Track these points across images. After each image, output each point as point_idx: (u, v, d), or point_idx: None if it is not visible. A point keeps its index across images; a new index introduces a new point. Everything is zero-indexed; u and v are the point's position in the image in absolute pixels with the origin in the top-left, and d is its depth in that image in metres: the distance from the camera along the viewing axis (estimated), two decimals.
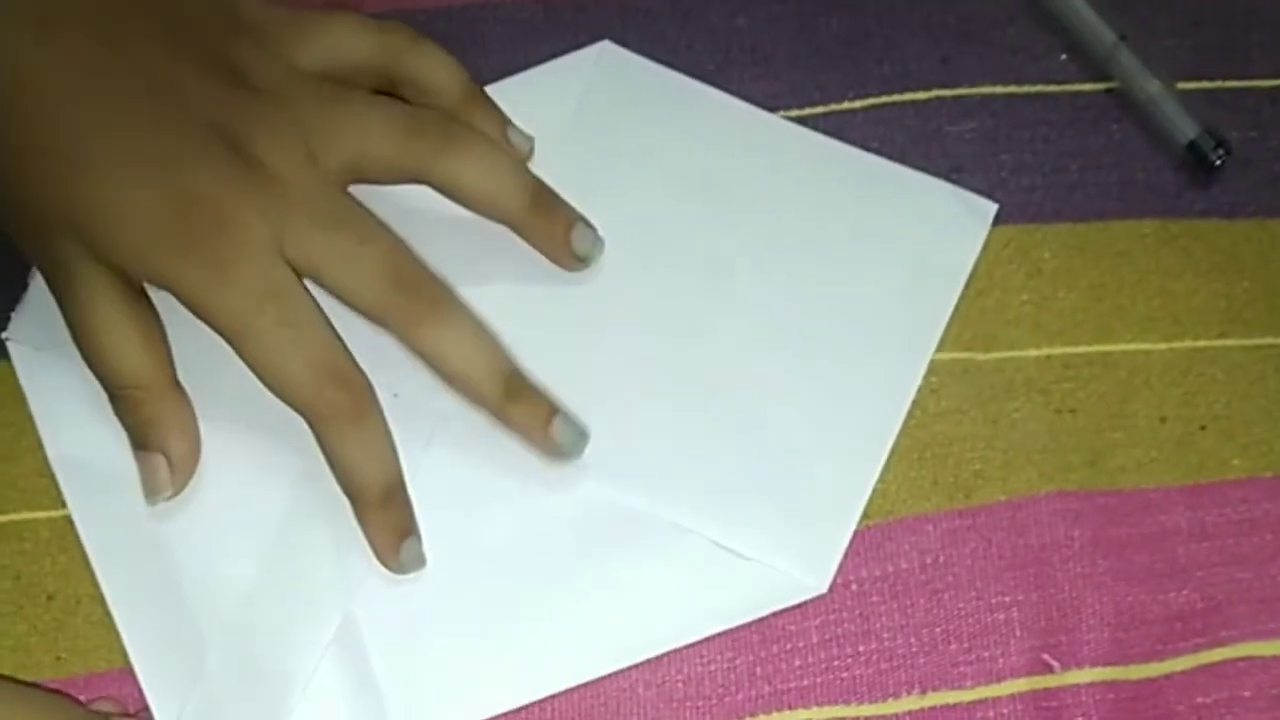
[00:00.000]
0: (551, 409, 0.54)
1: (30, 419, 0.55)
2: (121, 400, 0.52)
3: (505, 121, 0.57)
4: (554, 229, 0.55)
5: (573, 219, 0.56)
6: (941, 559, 0.55)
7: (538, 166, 0.57)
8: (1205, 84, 0.62)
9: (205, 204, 0.50)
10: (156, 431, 0.52)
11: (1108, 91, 0.62)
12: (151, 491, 0.52)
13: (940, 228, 0.58)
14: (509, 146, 0.57)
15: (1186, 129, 0.60)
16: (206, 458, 0.54)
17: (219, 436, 0.54)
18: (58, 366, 0.54)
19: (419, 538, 0.53)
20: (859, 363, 0.57)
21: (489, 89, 0.59)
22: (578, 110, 0.59)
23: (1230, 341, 0.59)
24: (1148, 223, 0.60)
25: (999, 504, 0.56)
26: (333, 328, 0.51)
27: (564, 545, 0.54)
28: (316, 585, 0.53)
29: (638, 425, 0.55)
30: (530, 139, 0.58)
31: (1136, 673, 0.55)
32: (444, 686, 0.53)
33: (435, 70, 0.56)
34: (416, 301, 0.52)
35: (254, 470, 0.54)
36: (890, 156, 0.60)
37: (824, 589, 0.54)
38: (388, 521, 0.52)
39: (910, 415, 0.57)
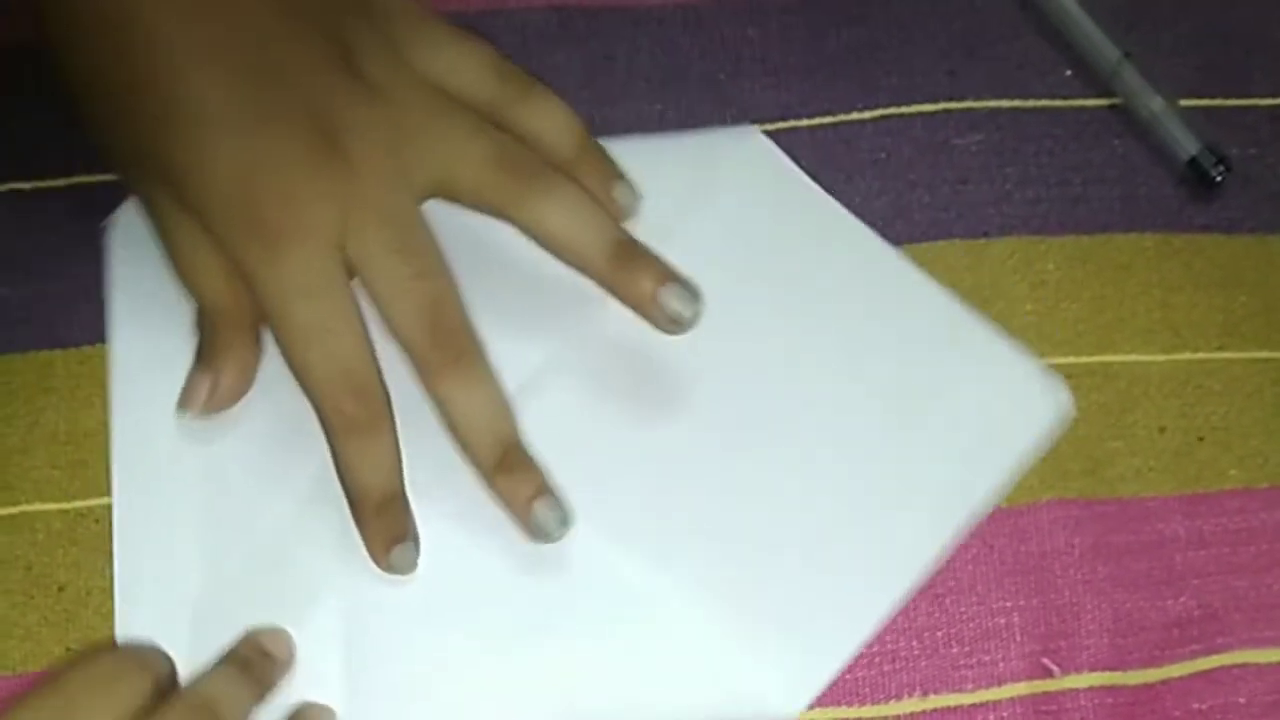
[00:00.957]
0: (540, 488, 0.53)
1: (43, 410, 0.56)
2: (204, 317, 0.53)
3: (615, 175, 0.56)
4: (640, 284, 0.53)
5: (664, 275, 0.53)
6: (943, 564, 0.56)
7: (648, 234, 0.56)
8: (1207, 101, 0.63)
9: (278, 179, 0.50)
10: (219, 356, 0.53)
11: (1111, 107, 0.63)
12: (184, 403, 0.53)
13: (1012, 403, 0.57)
14: (609, 199, 0.56)
15: (1188, 145, 0.61)
16: (264, 404, 0.55)
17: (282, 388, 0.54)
18: (146, 270, 0.55)
19: (415, 543, 0.53)
20: (895, 506, 0.56)
21: (623, 142, 0.58)
22: (704, 191, 0.59)
23: (1229, 354, 0.60)
24: (1149, 236, 0.61)
25: (1000, 511, 0.57)
26: (367, 334, 0.51)
27: (559, 591, 0.54)
28: (316, 569, 0.54)
29: (667, 501, 0.55)
30: (637, 197, 0.56)
31: (1134, 678, 0.55)
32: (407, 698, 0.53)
33: (547, 125, 0.55)
34: (445, 352, 0.51)
35: (298, 430, 0.54)
36: (898, 167, 0.61)
37: (793, 715, 0.54)
38: (381, 527, 0.52)
39: None
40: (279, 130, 0.50)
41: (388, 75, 0.53)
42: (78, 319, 0.56)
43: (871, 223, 0.60)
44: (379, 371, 0.52)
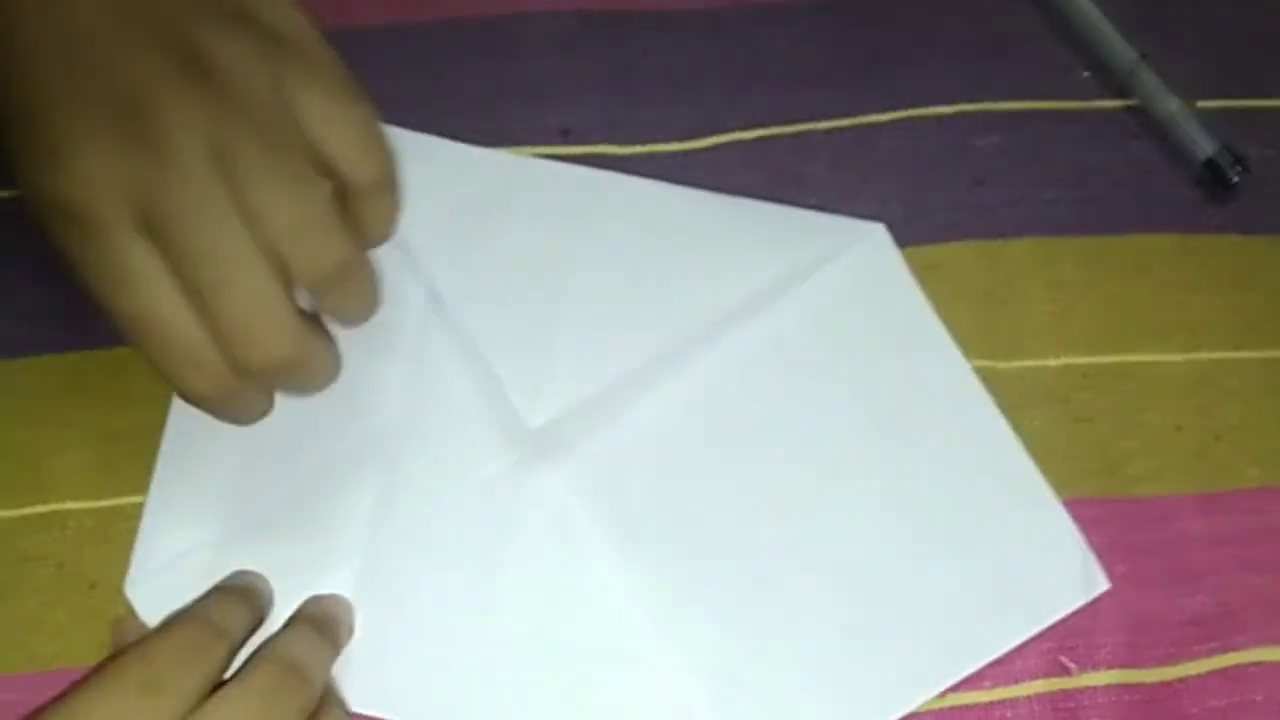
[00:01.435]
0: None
1: (75, 411, 0.56)
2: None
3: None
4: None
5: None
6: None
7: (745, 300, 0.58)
8: (1224, 102, 0.63)
9: (68, 154, 0.46)
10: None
11: (1128, 109, 0.63)
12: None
13: (1050, 575, 0.56)
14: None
15: (1205, 146, 0.61)
16: None
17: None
18: None
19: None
20: (907, 639, 0.55)
21: (747, 205, 0.60)
22: (810, 272, 0.59)
23: (1245, 354, 0.60)
24: (1166, 237, 0.61)
25: None
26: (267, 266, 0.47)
27: (561, 614, 0.55)
28: (338, 532, 0.55)
29: (691, 565, 0.55)
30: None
31: (1151, 676, 0.56)
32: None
33: (376, 223, 0.50)
34: (321, 262, 0.47)
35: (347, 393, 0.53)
36: (915, 169, 0.61)
37: None
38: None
39: None
40: (75, 99, 0.46)
41: (244, 80, 0.47)
42: (109, 320, 0.57)
43: (888, 223, 0.60)
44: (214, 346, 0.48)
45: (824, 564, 0.55)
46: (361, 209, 0.49)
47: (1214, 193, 0.61)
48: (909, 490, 0.56)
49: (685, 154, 0.61)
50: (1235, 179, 0.60)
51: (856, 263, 0.59)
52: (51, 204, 0.46)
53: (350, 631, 0.54)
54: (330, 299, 0.49)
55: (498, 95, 0.61)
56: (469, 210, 0.59)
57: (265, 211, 0.46)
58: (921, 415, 0.57)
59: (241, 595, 0.52)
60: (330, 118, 0.47)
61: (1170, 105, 0.61)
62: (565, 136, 0.60)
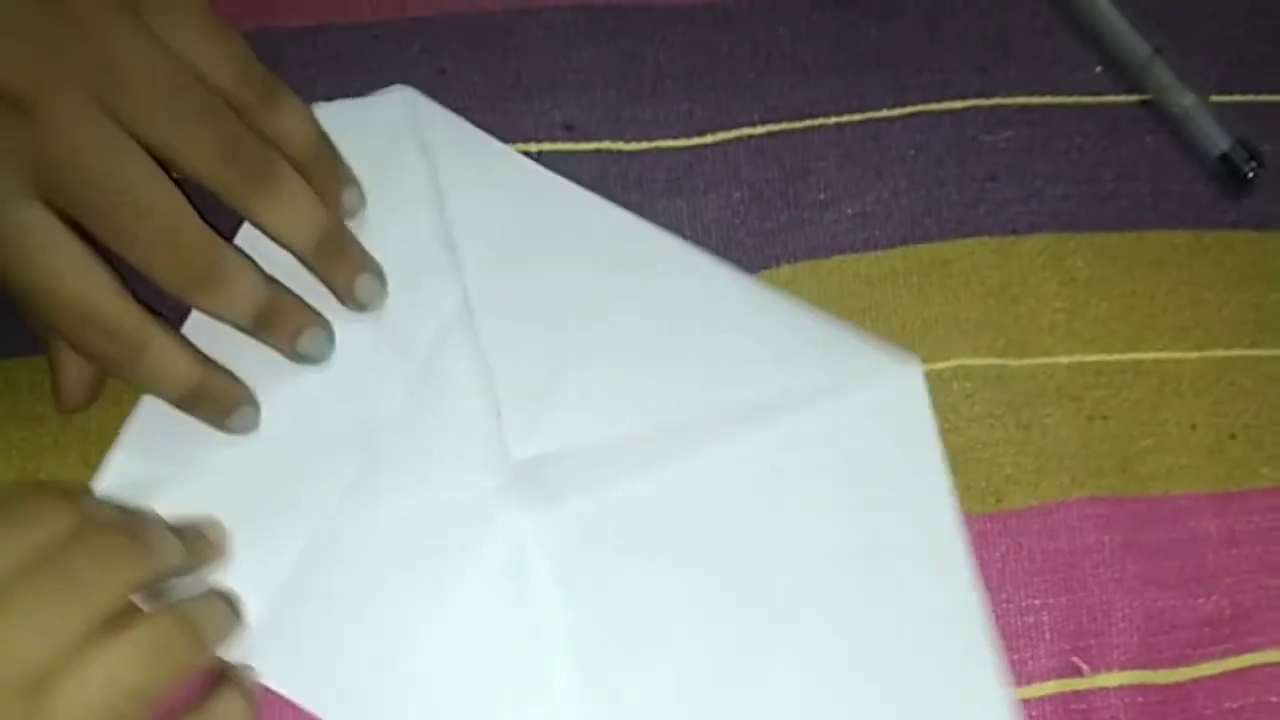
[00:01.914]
0: (358, 265, 0.55)
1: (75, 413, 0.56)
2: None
3: (346, 179, 0.56)
4: (340, 274, 0.55)
5: (359, 267, 0.55)
6: (973, 562, 0.56)
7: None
8: (1238, 97, 0.63)
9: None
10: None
11: (1142, 104, 0.63)
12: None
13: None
14: (336, 200, 0.55)
15: (1219, 141, 0.60)
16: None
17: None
18: None
19: (254, 407, 0.55)
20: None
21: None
22: (838, 410, 0.57)
23: (1261, 351, 0.59)
24: (1180, 233, 0.61)
25: (1030, 509, 0.57)
26: (174, 188, 0.50)
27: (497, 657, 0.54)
28: (297, 501, 0.54)
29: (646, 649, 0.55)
30: (363, 201, 0.57)
31: (1165, 677, 0.55)
32: None
33: (287, 131, 0.53)
34: (244, 174, 0.51)
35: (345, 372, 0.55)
36: (927, 164, 0.61)
37: None
38: (205, 414, 0.54)
39: (944, 420, 0.57)
40: None
41: (124, 35, 0.49)
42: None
43: (899, 219, 0.60)
44: (120, 286, 0.50)
45: (763, 686, 0.54)
46: (269, 123, 0.52)
47: (1228, 188, 0.61)
48: (865, 639, 0.55)
49: (693, 149, 0.60)
50: (1250, 174, 0.60)
51: (884, 396, 0.58)
52: None
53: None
54: (259, 215, 0.52)
55: (502, 91, 0.60)
56: (522, 229, 0.58)
57: (177, 139, 0.49)
58: (901, 570, 0.56)
59: (181, 534, 0.52)
60: (206, 49, 0.51)
61: (1184, 100, 0.61)
62: (570, 132, 0.60)
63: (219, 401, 0.53)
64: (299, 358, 0.54)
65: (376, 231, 0.57)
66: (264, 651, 0.53)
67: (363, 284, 0.55)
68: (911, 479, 0.57)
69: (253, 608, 0.53)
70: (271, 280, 0.53)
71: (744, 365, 0.57)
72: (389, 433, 0.55)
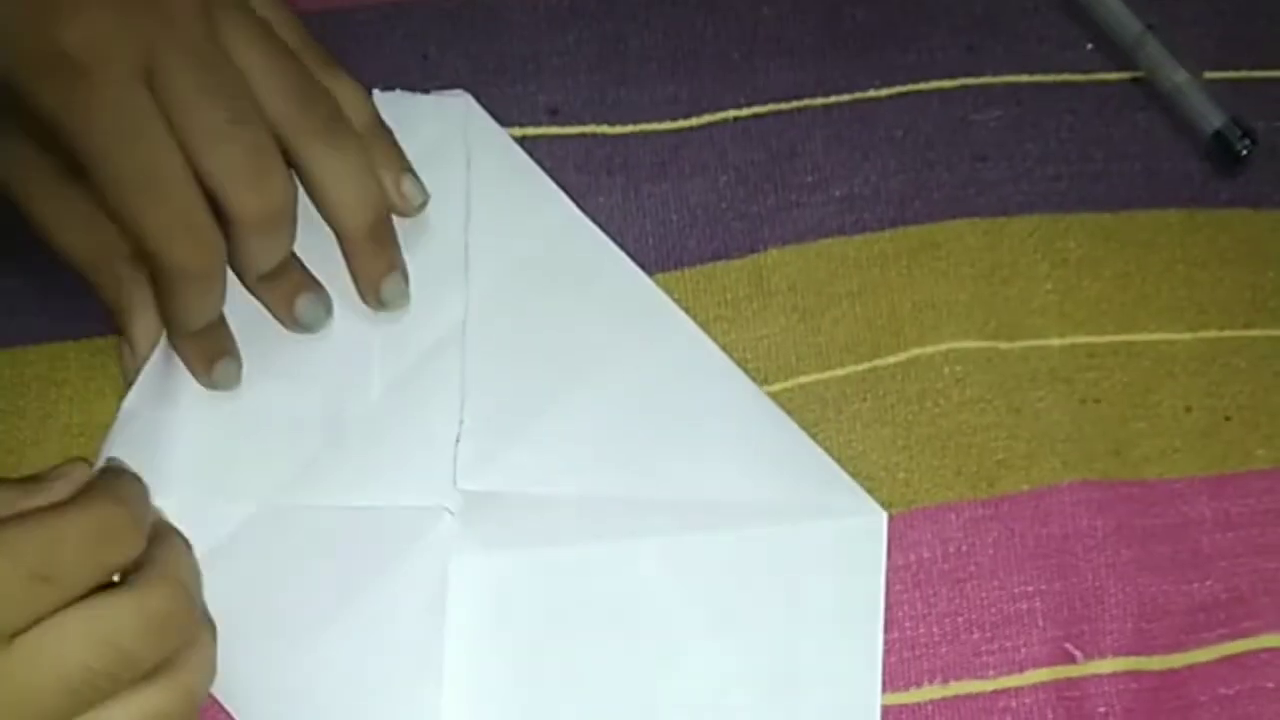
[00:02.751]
0: (393, 263, 0.55)
1: (56, 403, 0.56)
2: (89, 283, 0.53)
3: (407, 167, 0.56)
4: (374, 265, 0.55)
5: (392, 266, 0.55)
6: (964, 548, 0.56)
7: None
8: (1231, 74, 0.62)
9: (78, 12, 0.47)
10: (119, 314, 0.53)
11: (1133, 81, 0.62)
12: (125, 373, 0.54)
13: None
14: (396, 188, 0.55)
15: (1212, 118, 0.60)
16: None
17: None
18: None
19: (236, 360, 0.54)
20: None
21: None
22: (795, 535, 0.56)
23: (1256, 331, 0.59)
24: (1173, 212, 0.60)
25: (1022, 493, 0.56)
26: (193, 176, 0.49)
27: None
28: (261, 468, 0.55)
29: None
30: (425, 195, 0.56)
31: (1159, 663, 0.55)
32: None
33: (345, 98, 0.54)
34: (317, 119, 0.51)
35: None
36: (915, 145, 0.60)
37: None
38: (202, 349, 0.54)
39: (934, 404, 0.57)
40: None
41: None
42: (89, 310, 0.56)
43: (888, 201, 0.59)
44: (210, 214, 0.50)
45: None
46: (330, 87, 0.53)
47: (1222, 166, 0.60)
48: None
49: (678, 132, 0.60)
50: (1244, 152, 0.60)
51: (843, 535, 0.56)
52: (50, 59, 0.46)
53: None
54: (320, 167, 0.52)
55: (486, 75, 0.60)
56: (536, 264, 0.58)
57: (263, 78, 0.50)
58: (814, 703, 0.55)
59: (143, 488, 0.52)
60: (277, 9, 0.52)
61: (1177, 77, 0.60)
62: (554, 116, 0.60)
63: (218, 342, 0.54)
64: (295, 322, 0.54)
65: (399, 228, 0.56)
66: None
67: (391, 283, 0.55)
68: (850, 623, 0.55)
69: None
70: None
71: (715, 464, 0.56)
72: (354, 427, 0.55)
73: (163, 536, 0.50)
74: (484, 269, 0.57)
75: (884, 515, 0.56)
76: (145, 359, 0.53)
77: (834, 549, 0.56)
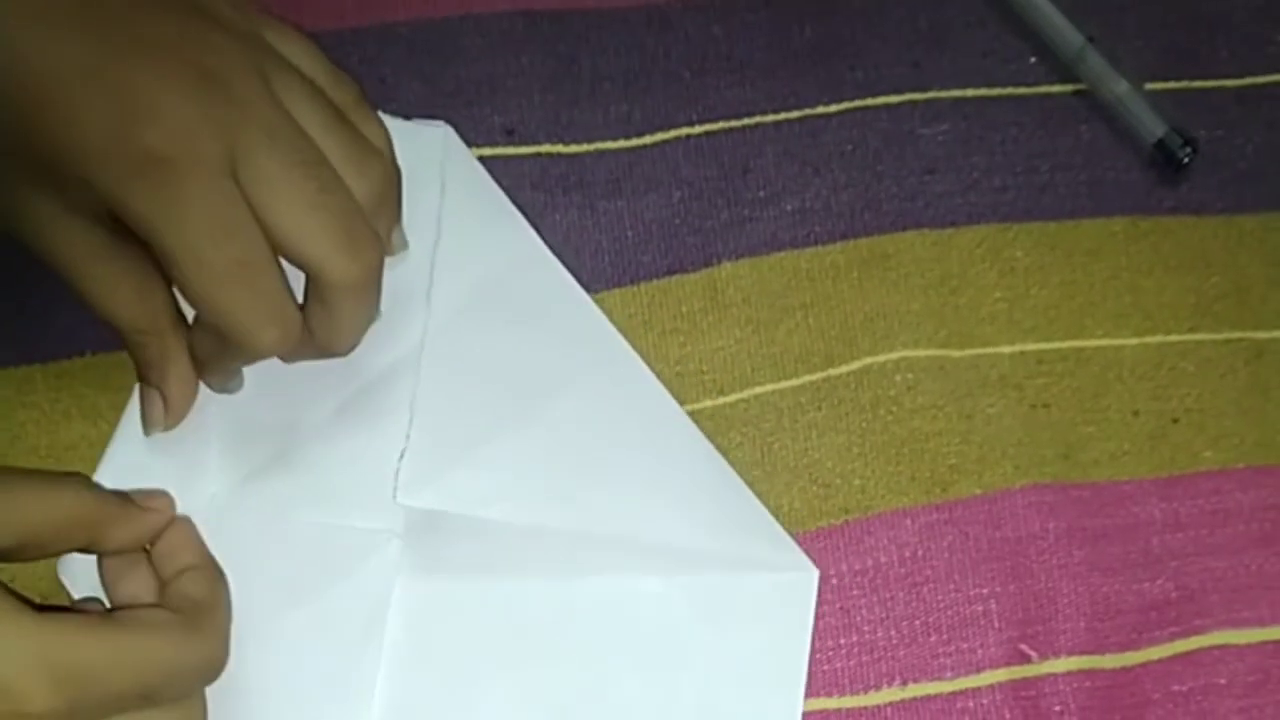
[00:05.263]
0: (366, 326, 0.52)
1: (23, 425, 0.56)
2: (126, 340, 0.52)
3: (398, 219, 0.54)
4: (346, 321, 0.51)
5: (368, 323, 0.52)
6: (920, 552, 0.56)
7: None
8: (1172, 84, 0.63)
9: (158, 111, 0.46)
10: (156, 373, 0.52)
11: (1076, 93, 0.63)
12: (148, 424, 0.53)
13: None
14: (386, 237, 0.53)
15: (1154, 128, 0.61)
16: None
17: None
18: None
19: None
20: None
21: None
22: (730, 585, 0.57)
23: (1200, 336, 0.60)
24: (1117, 220, 0.61)
25: (975, 498, 0.57)
26: (279, 263, 0.48)
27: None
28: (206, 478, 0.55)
29: None
30: (404, 247, 0.54)
31: (1113, 661, 0.56)
32: None
33: (372, 132, 0.52)
34: (363, 266, 0.49)
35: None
36: (864, 159, 0.61)
37: None
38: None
39: (888, 412, 0.58)
40: (145, 65, 0.47)
41: (249, 31, 0.50)
42: (56, 332, 0.56)
43: (839, 214, 0.60)
44: (293, 296, 0.49)
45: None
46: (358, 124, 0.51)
47: (1165, 175, 0.61)
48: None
49: (632, 151, 0.61)
50: (1185, 160, 0.60)
51: (775, 589, 0.56)
52: (136, 160, 0.45)
53: None
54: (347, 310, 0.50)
55: (442, 97, 0.61)
56: (498, 293, 0.58)
57: (294, 218, 0.47)
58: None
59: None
60: (310, 49, 0.52)
61: (1118, 88, 0.61)
62: (510, 136, 0.60)
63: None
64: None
65: None
66: None
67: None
68: (775, 676, 0.56)
69: None
70: None
71: (655, 507, 0.56)
72: (303, 441, 0.55)
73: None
74: (446, 294, 0.57)
75: (815, 573, 0.56)
76: (182, 417, 0.53)
77: (765, 602, 0.56)
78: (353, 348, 0.51)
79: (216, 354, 0.51)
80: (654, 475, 0.56)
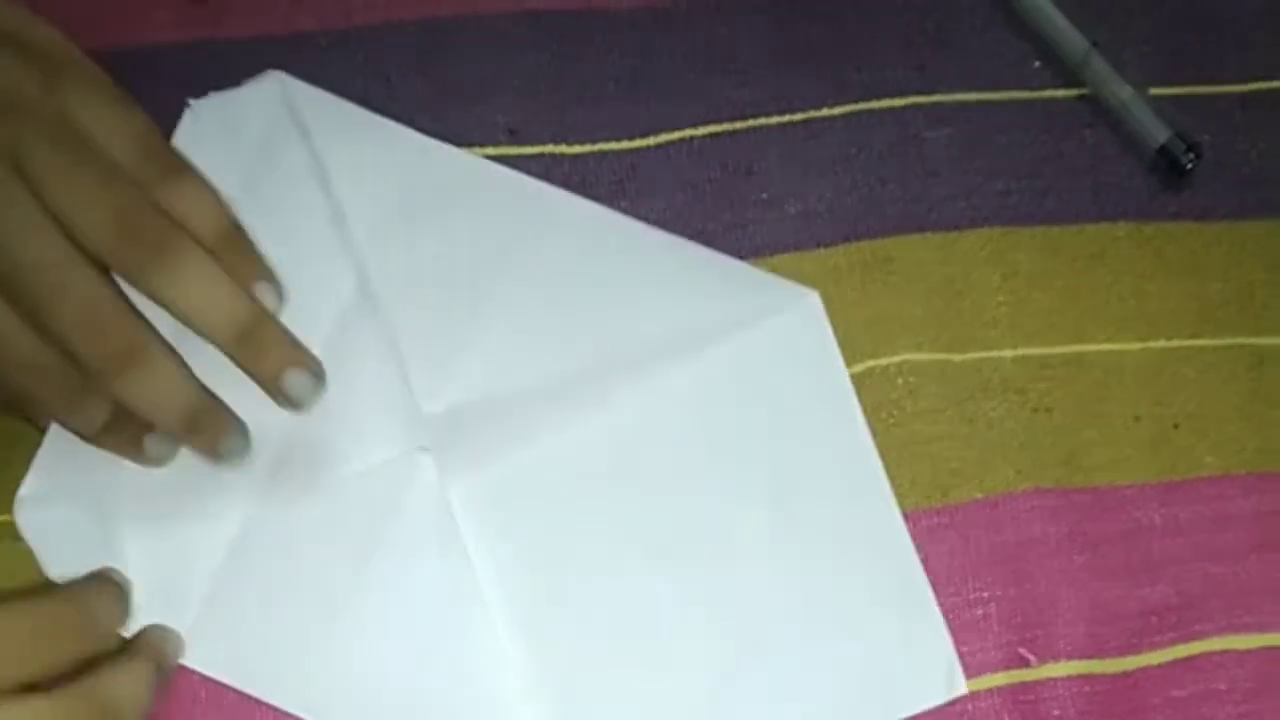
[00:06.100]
0: (286, 359, 0.52)
1: (21, 426, 0.56)
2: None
3: (260, 274, 0.53)
4: (265, 364, 0.51)
5: (290, 359, 0.52)
6: (920, 556, 0.56)
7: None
8: (1176, 89, 0.63)
9: None
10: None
11: (1080, 98, 0.63)
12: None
13: (915, 670, 0.55)
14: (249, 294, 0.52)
15: (1158, 133, 0.61)
16: None
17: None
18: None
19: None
20: (763, 711, 0.55)
21: (686, 248, 0.59)
22: (742, 345, 0.58)
23: (1202, 341, 0.60)
24: (1121, 225, 0.61)
25: (976, 502, 0.57)
26: (84, 260, 0.48)
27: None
28: (232, 490, 0.55)
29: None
30: (281, 300, 0.53)
31: (1112, 666, 0.55)
32: None
33: (190, 209, 0.51)
34: (147, 248, 0.48)
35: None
36: (868, 162, 0.61)
37: None
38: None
39: (889, 415, 0.58)
40: None
41: (27, 105, 0.49)
42: None
43: (841, 217, 0.60)
44: (118, 291, 0.49)
45: (701, 619, 0.55)
46: (170, 202, 0.50)
47: (1168, 180, 0.61)
48: (796, 563, 0.56)
49: (635, 152, 0.61)
50: (1189, 166, 0.60)
51: (787, 327, 0.58)
52: None
53: (174, 667, 0.53)
54: (163, 293, 0.49)
55: (445, 97, 0.61)
56: (411, 198, 0.59)
57: (76, 210, 0.47)
58: (821, 492, 0.56)
59: (120, 595, 0.51)
60: (112, 125, 0.49)
61: (1122, 93, 0.61)
62: (513, 136, 0.60)
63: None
64: (219, 459, 0.53)
65: (265, 221, 0.54)
66: (202, 640, 0.53)
67: (293, 380, 0.52)
68: (822, 403, 0.57)
69: (189, 598, 0.54)
70: (195, 379, 0.51)
71: (649, 310, 0.58)
72: (301, 419, 0.54)
73: (126, 658, 0.50)
74: (362, 221, 0.58)
75: (815, 294, 0.58)
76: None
77: (785, 342, 0.58)
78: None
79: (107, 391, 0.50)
80: (629, 282, 0.58)
